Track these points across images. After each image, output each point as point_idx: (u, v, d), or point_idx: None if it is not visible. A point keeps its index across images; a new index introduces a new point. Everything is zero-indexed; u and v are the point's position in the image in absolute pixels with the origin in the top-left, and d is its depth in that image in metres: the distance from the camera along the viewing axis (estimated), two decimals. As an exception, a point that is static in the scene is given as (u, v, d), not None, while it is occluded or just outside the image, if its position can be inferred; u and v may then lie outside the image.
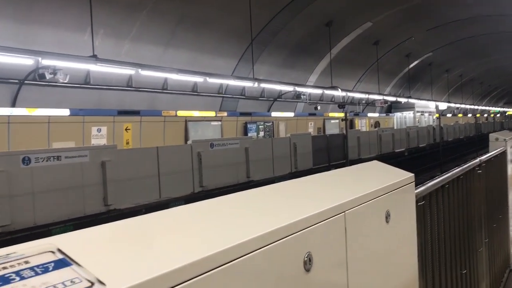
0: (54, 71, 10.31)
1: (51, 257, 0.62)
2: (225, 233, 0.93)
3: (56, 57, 9.63)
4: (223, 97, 18.01)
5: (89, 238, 0.79)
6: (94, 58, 9.81)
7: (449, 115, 44.40)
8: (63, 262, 0.62)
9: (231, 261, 0.83)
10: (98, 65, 10.04)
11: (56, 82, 11.01)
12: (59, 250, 0.65)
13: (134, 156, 9.56)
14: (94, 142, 13.23)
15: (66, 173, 7.83)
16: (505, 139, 4.66)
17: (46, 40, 11.22)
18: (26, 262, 0.59)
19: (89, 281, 0.59)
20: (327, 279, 1.16)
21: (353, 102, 27.18)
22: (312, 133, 21.61)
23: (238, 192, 1.29)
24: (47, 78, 10.35)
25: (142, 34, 13.54)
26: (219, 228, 0.97)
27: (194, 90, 16.35)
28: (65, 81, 10.77)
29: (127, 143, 14.30)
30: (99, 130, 13.50)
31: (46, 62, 9.79)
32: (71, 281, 0.58)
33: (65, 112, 12.47)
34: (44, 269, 0.59)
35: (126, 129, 14.29)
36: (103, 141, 13.48)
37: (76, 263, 0.63)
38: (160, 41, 14.30)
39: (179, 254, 0.77)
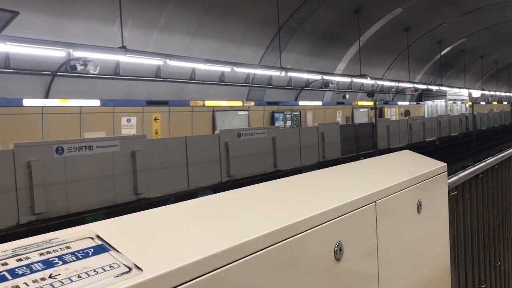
0: (85, 63, 10.54)
1: (91, 243, 0.65)
2: (258, 222, 0.94)
3: (87, 48, 9.84)
4: (250, 86, 18.01)
5: (125, 225, 0.81)
6: (123, 49, 9.97)
7: (482, 103, 43.03)
8: (102, 248, 0.64)
9: (264, 248, 0.84)
10: (127, 56, 10.20)
11: (87, 74, 11.26)
12: (98, 236, 0.67)
13: (163, 146, 9.71)
14: (124, 132, 13.48)
15: (98, 162, 8.02)
16: (542, 128, 4.49)
17: (77, 32, 11.46)
18: (68, 248, 0.62)
19: (127, 266, 0.61)
20: (357, 269, 1.16)
21: (383, 90, 26.71)
22: (340, 122, 21.38)
23: (264, 183, 1.30)
24: (78, 69, 10.59)
25: (170, 24, 13.65)
26: (251, 217, 0.99)
27: (221, 80, 16.41)
28: (96, 72, 11.00)
29: (156, 133, 14.52)
30: (128, 120, 13.75)
31: (77, 54, 10.02)
32: (110, 266, 0.60)
33: (96, 102, 12.75)
34: (84, 254, 0.62)
35: (155, 119, 14.51)
36: (132, 131, 13.73)
37: (114, 249, 0.65)
38: (187, 30, 14.38)
39: (214, 241, 0.78)
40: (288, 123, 20.22)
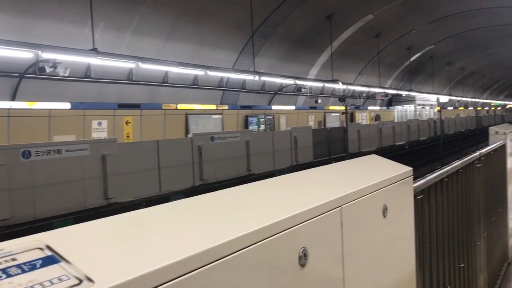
0: (54, 65, 10.28)
1: (39, 254, 0.62)
2: (220, 228, 0.93)
3: (56, 50, 9.60)
4: (224, 90, 17.98)
5: (79, 234, 0.78)
6: (95, 51, 9.78)
7: (450, 108, 44.30)
8: (52, 259, 0.62)
9: (226, 256, 0.82)
10: (99, 58, 10.00)
11: (56, 76, 10.99)
12: (48, 247, 0.64)
13: (135, 150, 9.56)
14: (95, 135, 13.23)
15: (67, 166, 7.84)
16: (505, 133, 4.65)
17: (46, 33, 11.19)
18: (13, 260, 0.59)
19: (77, 278, 0.59)
20: (322, 274, 1.16)
21: (354, 95, 27.13)
22: (312, 126, 21.59)
23: (235, 187, 1.29)
24: (47, 71, 10.33)
25: (143, 27, 13.49)
26: (214, 223, 0.97)
27: (194, 83, 16.32)
28: (66, 75, 10.74)
29: (128, 136, 14.30)
30: (99, 124, 13.50)
31: (46, 55, 9.76)
32: (59, 279, 0.58)
33: (66, 105, 12.47)
34: (31, 266, 0.59)
35: (126, 123, 14.29)
36: (103, 135, 13.48)
37: (65, 260, 0.62)
38: (160, 34, 14.25)
39: (172, 250, 0.76)
40: (262, 127, 20.27)
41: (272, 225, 0.96)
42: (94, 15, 10.58)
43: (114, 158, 8.56)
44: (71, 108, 12.59)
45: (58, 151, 7.72)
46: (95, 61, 10.51)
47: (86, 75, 12.76)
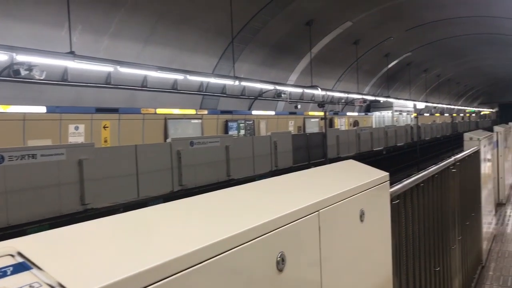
0: (30, 67, 10.07)
1: (10, 261, 0.60)
2: (198, 233, 0.92)
3: (32, 53, 9.40)
4: (203, 95, 17.92)
5: (52, 240, 0.76)
6: (72, 54, 9.62)
7: (426, 114, 45.18)
8: (23, 266, 0.60)
9: (203, 261, 0.82)
10: (76, 61, 9.84)
11: (31, 79, 10.77)
12: (19, 254, 0.63)
13: (112, 155, 9.43)
14: (72, 140, 13.00)
15: (42, 171, 7.67)
16: (478, 139, 4.76)
17: (21, 35, 10.96)
18: (-17, 267, 0.57)
19: (49, 285, 0.58)
20: (300, 279, 1.16)
21: (333, 101, 27.40)
22: (292, 131, 21.69)
23: (213, 192, 1.28)
24: (22, 74, 10.10)
25: (121, 30, 13.36)
26: (191, 228, 0.96)
27: (174, 88, 16.22)
28: (42, 78, 10.53)
29: (105, 141, 14.10)
30: (76, 128, 13.28)
31: (21, 58, 9.54)
32: (30, 286, 0.56)
33: (42, 109, 12.21)
34: (1, 273, 0.57)
35: (104, 127, 14.09)
36: (80, 139, 13.26)
37: (37, 266, 0.61)
38: (139, 37, 14.13)
39: (148, 256, 0.76)
40: (242, 132, 20.27)
41: (250, 230, 0.96)
42: (72, 17, 10.42)
43: (91, 163, 8.42)
44: (47, 112, 12.34)
45: (33, 156, 7.55)
46: (72, 64, 10.34)
47: (63, 79, 12.54)
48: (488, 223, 5.31)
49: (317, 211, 1.24)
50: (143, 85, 14.94)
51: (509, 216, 7.02)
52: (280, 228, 1.06)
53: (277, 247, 1.05)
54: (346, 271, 1.46)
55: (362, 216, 1.54)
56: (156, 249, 0.81)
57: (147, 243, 0.85)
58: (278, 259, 1.04)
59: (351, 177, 1.71)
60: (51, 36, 11.62)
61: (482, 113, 69.60)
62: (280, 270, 1.04)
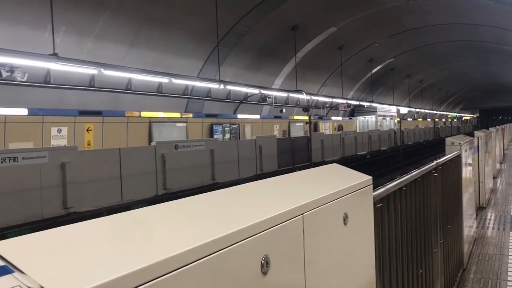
0: (11, 69, 9.92)
1: (-9, 264, 0.60)
2: (181, 236, 0.92)
3: (14, 54, 9.25)
4: (188, 98, 17.86)
5: (34, 243, 0.75)
6: (55, 56, 9.49)
7: (409, 119, 45.79)
8: (5, 270, 0.59)
9: (187, 264, 0.82)
10: (59, 64, 9.72)
11: (13, 80, 10.60)
12: (1, 257, 0.62)
13: (96, 158, 9.33)
14: (54, 143, 12.82)
15: (23, 174, 7.55)
16: (460, 143, 4.85)
17: (3, 37, 10.79)
18: (-37, 270, 0.56)
19: (31, 289, 0.57)
20: (284, 282, 1.17)
21: (317, 105, 27.58)
22: (277, 135, 21.77)
23: (197, 195, 1.28)
24: (4, 76, 9.94)
25: (106, 32, 13.25)
26: (175, 231, 0.96)
27: (159, 91, 16.13)
28: (23, 80, 10.38)
29: (89, 144, 13.94)
30: (59, 131, 13.10)
31: (2, 59, 9.38)
32: (12, 290, 0.56)
33: (23, 111, 12.02)
34: (-18, 277, 0.56)
35: (87, 130, 13.93)
36: (63, 142, 13.08)
37: (19, 270, 0.60)
38: (124, 40, 14.03)
39: (131, 259, 0.75)
40: (227, 135, 20.25)
41: (234, 233, 0.96)
42: (55, 19, 10.30)
43: (74, 166, 8.32)
44: (29, 114, 12.15)
45: (14, 159, 7.43)
46: (55, 67, 10.21)
47: (46, 81, 12.37)
48: (469, 226, 5.40)
49: (302, 214, 1.25)
50: (128, 88, 14.83)
51: (490, 219, 7.15)
52: (265, 231, 1.07)
53: (261, 250, 1.05)
54: (330, 274, 1.47)
55: (345, 219, 1.55)
56: (139, 252, 0.80)
57: (130, 246, 0.84)
58: (263, 262, 1.04)
59: (335, 180, 1.73)
60: (34, 38, 11.47)
61: (463, 118, 70.84)
62: (265, 273, 1.05)
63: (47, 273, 0.63)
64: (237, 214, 1.13)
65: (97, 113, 14.19)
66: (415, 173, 2.84)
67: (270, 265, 1.07)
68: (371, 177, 1.88)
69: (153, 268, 0.74)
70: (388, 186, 2.22)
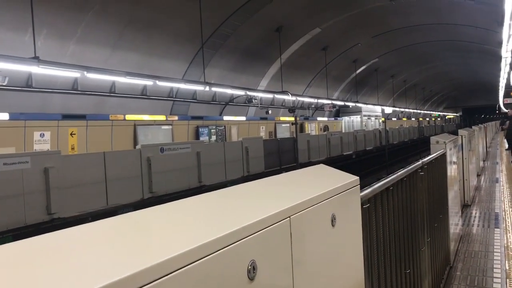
0: (-8, 73, 9.74)
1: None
2: (164, 243, 0.89)
3: (-6, 58, 9.08)
4: (174, 100, 17.76)
5: (15, 253, 0.72)
6: (36, 59, 9.34)
7: (394, 119, 46.26)
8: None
9: (171, 272, 0.79)
10: (41, 67, 9.57)
11: (-7, 85, 10.41)
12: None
13: (80, 162, 9.19)
14: (37, 147, 12.60)
15: (5, 180, 7.40)
16: (444, 142, 4.88)
17: (-18, 40, 10.59)
18: None
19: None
20: (271, 287, 1.14)
21: (303, 106, 27.69)
22: (263, 137, 21.77)
23: (182, 199, 1.25)
24: (-16, 80, 9.75)
25: (88, 35, 13.09)
26: (159, 237, 0.93)
27: (143, 94, 16.00)
28: (4, 84, 10.19)
29: (72, 148, 13.74)
30: (42, 135, 12.89)
31: (-18, 63, 9.21)
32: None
33: (4, 116, 11.80)
34: None
35: (71, 134, 13.74)
36: (46, 147, 12.88)
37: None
38: (107, 43, 13.88)
39: (115, 267, 0.72)
40: (213, 137, 20.18)
41: (220, 238, 0.93)
42: (36, 21, 10.14)
43: (57, 171, 8.19)
44: (10, 119, 11.93)
45: (-5, 165, 7.27)
46: (37, 70, 10.05)
47: (27, 84, 12.16)
48: (455, 224, 5.44)
49: (288, 217, 1.23)
50: (112, 91, 14.67)
51: (475, 217, 7.23)
52: (251, 236, 1.04)
53: (248, 256, 1.02)
54: (319, 276, 1.45)
55: (333, 220, 1.53)
56: (122, 260, 0.77)
57: (113, 254, 0.81)
58: (249, 267, 1.01)
59: (322, 182, 1.71)
60: (14, 41, 11.27)
61: (447, 117, 71.85)
62: (251, 279, 1.02)
63: (30, 284, 0.59)
64: (223, 219, 1.10)
65: (81, 117, 14.01)
66: (401, 172, 2.84)
67: (257, 270, 1.04)
68: (358, 177, 1.87)
69: (136, 277, 0.71)
70: (375, 186, 2.21)
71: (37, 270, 0.69)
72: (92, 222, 0.97)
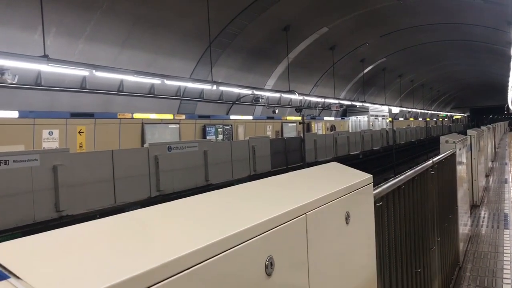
0: (1, 71, 9.80)
1: (-15, 270, 0.56)
2: (183, 238, 0.89)
3: (4, 56, 9.13)
4: (181, 99, 17.79)
5: (29, 247, 0.72)
6: (46, 58, 9.39)
7: (401, 119, 46.01)
8: (-1, 275, 0.56)
9: (190, 268, 0.78)
10: (50, 65, 9.61)
11: (3, 83, 10.47)
12: (-5, 262, 0.58)
13: (88, 160, 9.24)
14: (46, 145, 12.69)
15: (14, 178, 7.45)
16: (454, 142, 4.85)
17: (-8, 38, 10.67)
18: (-45, 276, 0.52)
19: (28, 295, 0.53)
20: (288, 283, 1.14)
21: (310, 106, 27.62)
22: (270, 136, 21.75)
23: (195, 196, 1.24)
24: (-6, 78, 9.82)
25: (97, 33, 13.14)
26: (177, 233, 0.93)
27: (151, 92, 16.05)
28: (14, 82, 10.26)
29: (81, 146, 13.81)
30: (50, 133, 12.97)
31: (-8, 61, 9.27)
32: (8, 296, 0.52)
33: (14, 114, 11.89)
34: (-25, 283, 0.53)
35: (79, 132, 13.81)
36: (55, 145, 12.96)
37: (14, 275, 0.56)
38: (115, 41, 13.93)
39: (132, 262, 0.72)
40: (220, 136, 20.19)
41: (237, 234, 0.93)
42: (45, 20, 10.19)
43: (66, 169, 8.23)
44: (20, 117, 12.02)
45: (5, 162, 7.33)
46: (46, 68, 10.09)
47: (36, 83, 12.24)
48: (464, 224, 5.41)
49: (305, 213, 1.22)
50: (120, 89, 14.73)
51: (484, 217, 7.18)
52: (269, 231, 1.03)
53: (265, 251, 1.02)
54: (332, 273, 1.44)
55: (347, 218, 1.52)
56: (139, 256, 0.77)
57: (130, 249, 0.81)
58: (267, 263, 1.01)
59: (336, 179, 1.70)
60: (24, 39, 11.34)
61: (454, 117, 71.38)
62: (269, 274, 1.01)
63: (44, 278, 0.59)
64: (240, 214, 1.09)
65: (89, 115, 14.08)
66: (412, 171, 2.82)
67: (275, 266, 1.03)
68: (371, 175, 1.85)
69: (154, 273, 0.71)
70: (388, 185, 2.20)
71: (55, 264, 0.69)
72: (110, 216, 0.96)
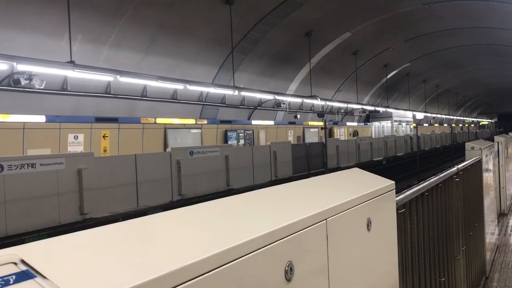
0: (30, 77, 10.06)
1: (13, 269, 0.58)
2: (204, 242, 0.90)
3: (32, 62, 9.41)
4: (203, 104, 17.94)
5: (55, 247, 0.73)
6: (72, 64, 9.62)
7: (425, 124, 45.23)
8: (26, 274, 0.57)
9: (210, 271, 0.79)
10: (76, 71, 9.84)
11: (31, 88, 10.76)
12: (23, 261, 0.60)
13: (112, 164, 9.39)
14: (71, 149, 12.97)
15: (41, 181, 7.62)
16: (480, 148, 4.74)
17: (22, 45, 10.98)
18: (-16, 275, 0.54)
19: (54, 294, 0.55)
20: (308, 289, 1.13)
21: (332, 111, 27.45)
22: (292, 141, 21.69)
23: (217, 200, 1.25)
24: (22, 83, 10.09)
25: (122, 40, 13.40)
26: (197, 237, 0.94)
27: (174, 98, 16.24)
28: (41, 87, 10.53)
29: (105, 150, 14.06)
30: (76, 137, 13.25)
31: (21, 67, 9.54)
32: (34, 295, 0.54)
33: (41, 118, 12.20)
34: (4, 282, 0.54)
35: (103, 136, 14.07)
36: (80, 149, 13.23)
37: (41, 275, 0.58)
38: (139, 47, 14.17)
39: (154, 265, 0.73)
40: (241, 141, 20.25)
41: (257, 238, 0.93)
42: (72, 27, 10.45)
43: (90, 173, 8.38)
44: (47, 121, 12.33)
45: (32, 165, 7.51)
46: (72, 74, 10.35)
47: (63, 88, 12.55)
48: (491, 233, 5.27)
49: (325, 219, 1.21)
50: (143, 94, 14.96)
51: None
52: (288, 237, 1.03)
53: (285, 256, 1.02)
54: (354, 280, 1.43)
55: (369, 225, 1.51)
56: (161, 258, 0.78)
57: (151, 251, 0.82)
58: (287, 268, 1.01)
59: (357, 185, 1.69)
60: (52, 46, 11.65)
61: (481, 123, 69.76)
62: (289, 280, 1.01)
63: (69, 278, 0.61)
64: (260, 219, 1.10)
65: (113, 120, 14.33)
66: (435, 178, 2.77)
67: (294, 271, 1.03)
68: (393, 182, 1.83)
69: (175, 275, 0.72)
70: (410, 191, 2.17)
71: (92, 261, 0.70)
72: (134, 219, 0.98)
